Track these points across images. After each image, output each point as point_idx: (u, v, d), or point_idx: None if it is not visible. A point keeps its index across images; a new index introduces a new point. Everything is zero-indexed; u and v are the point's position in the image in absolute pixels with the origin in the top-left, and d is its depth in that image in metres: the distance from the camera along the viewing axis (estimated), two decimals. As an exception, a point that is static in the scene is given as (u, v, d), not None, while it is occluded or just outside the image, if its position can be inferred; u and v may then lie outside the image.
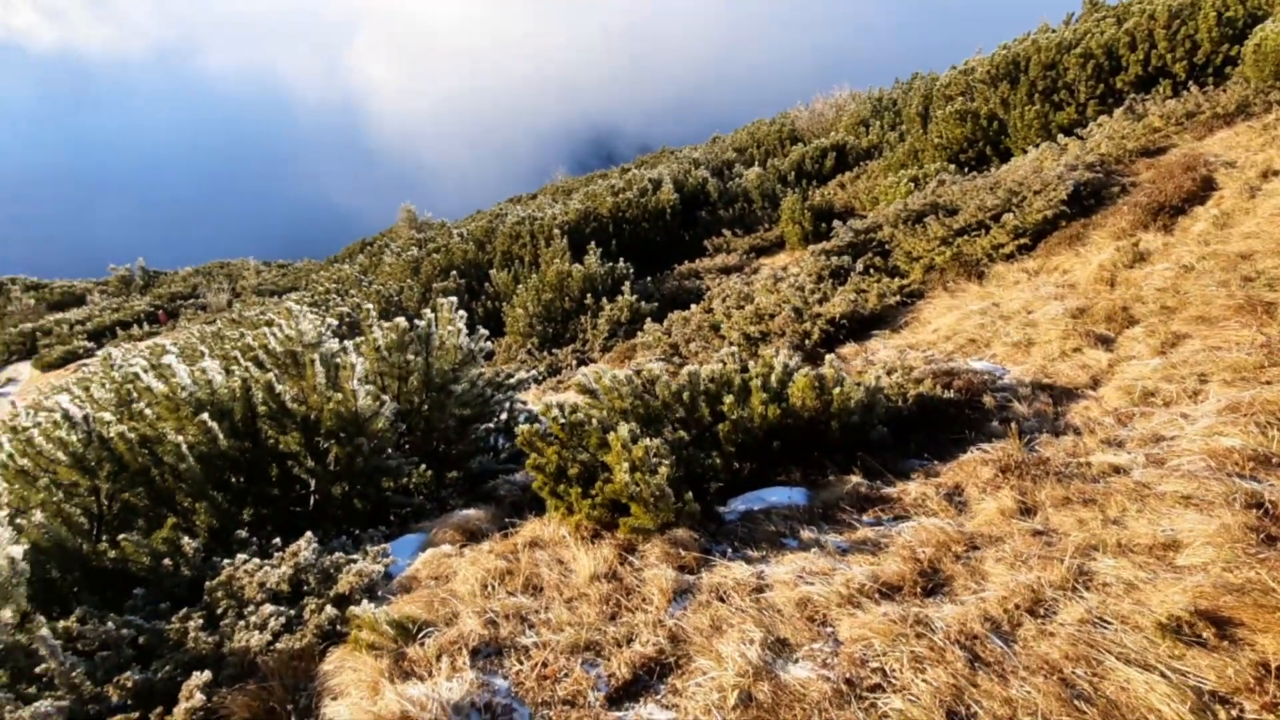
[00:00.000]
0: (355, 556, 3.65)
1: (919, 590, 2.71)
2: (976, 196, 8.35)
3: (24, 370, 17.55)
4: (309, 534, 3.71)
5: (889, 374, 4.72)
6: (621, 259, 11.96)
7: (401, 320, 5.29)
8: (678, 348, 7.89)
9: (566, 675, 2.57)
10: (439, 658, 2.71)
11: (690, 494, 3.33)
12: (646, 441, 3.32)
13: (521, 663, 2.66)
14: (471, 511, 4.19)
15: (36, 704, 2.83)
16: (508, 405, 6.35)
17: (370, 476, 4.77)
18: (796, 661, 2.42)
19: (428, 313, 5.54)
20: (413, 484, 5.22)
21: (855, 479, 3.67)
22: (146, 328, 18.87)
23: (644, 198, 14.08)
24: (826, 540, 3.12)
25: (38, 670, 2.99)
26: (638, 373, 4.23)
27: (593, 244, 12.01)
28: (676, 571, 3.03)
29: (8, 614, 3.32)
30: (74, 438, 4.13)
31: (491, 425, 6.11)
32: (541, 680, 2.57)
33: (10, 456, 4.17)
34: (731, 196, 14.95)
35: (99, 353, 16.34)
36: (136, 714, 2.83)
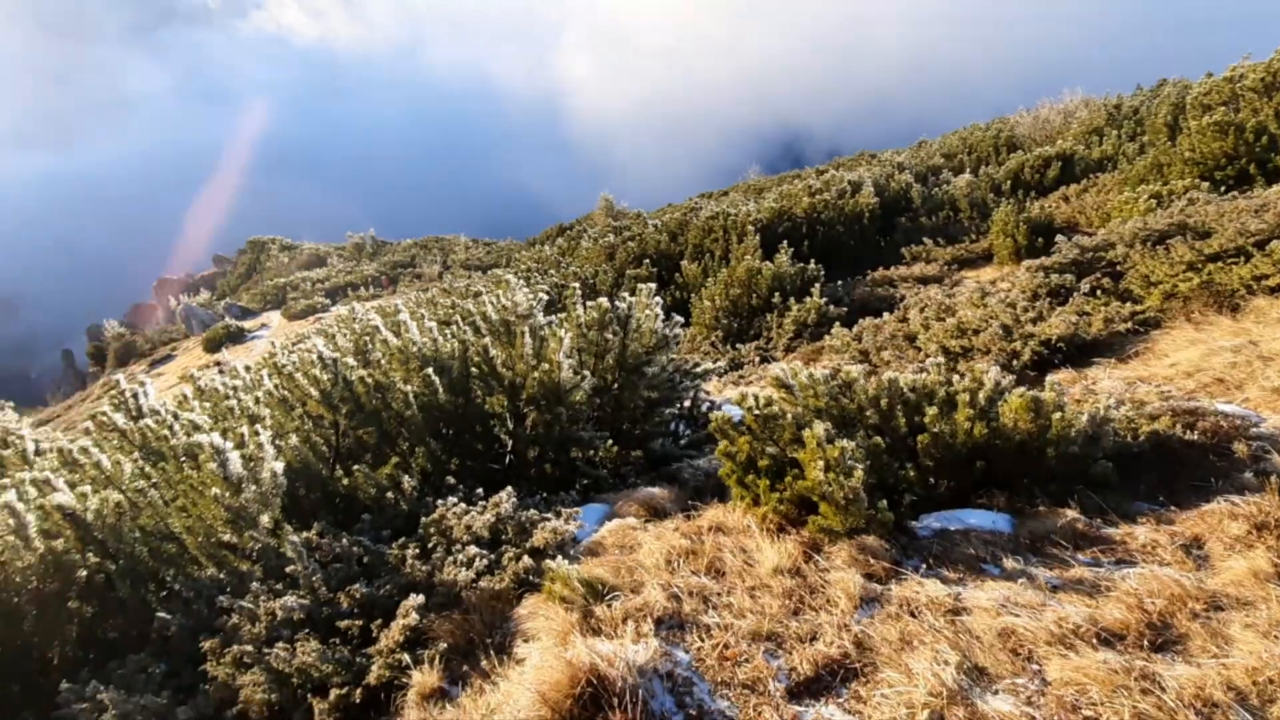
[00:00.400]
0: (548, 515, 3.90)
1: (1145, 644, 2.45)
2: (1236, 219, 7.30)
3: (274, 318, 20.35)
4: (509, 488, 4.01)
5: (1117, 406, 4.27)
6: (812, 260, 11.70)
7: (604, 301, 5.54)
8: (868, 355, 7.61)
9: (747, 660, 2.59)
10: (625, 621, 2.83)
11: (884, 502, 3.22)
12: (843, 443, 3.26)
13: (703, 640, 2.72)
14: (656, 490, 4.32)
15: (284, 599, 3.29)
16: (692, 393, 6.47)
17: (563, 444, 5.05)
18: (996, 693, 2.28)
19: (626, 296, 5.76)
20: (599, 457, 5.47)
21: (1071, 513, 3.37)
22: (372, 290, 21.15)
23: (841, 200, 13.68)
24: (1035, 573, 2.89)
25: (287, 571, 3.47)
26: (835, 373, 4.15)
27: (784, 243, 11.85)
28: (864, 578, 2.95)
29: (265, 519, 3.89)
30: (324, 377, 4.73)
31: (675, 410, 6.25)
32: (722, 660, 2.61)
33: (276, 386, 4.87)
34: (936, 204, 14.14)
35: (333, 308, 18.57)
36: (360, 621, 3.22)
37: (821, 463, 3.22)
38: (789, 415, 3.70)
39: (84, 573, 3.49)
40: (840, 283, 11.80)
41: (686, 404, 6.53)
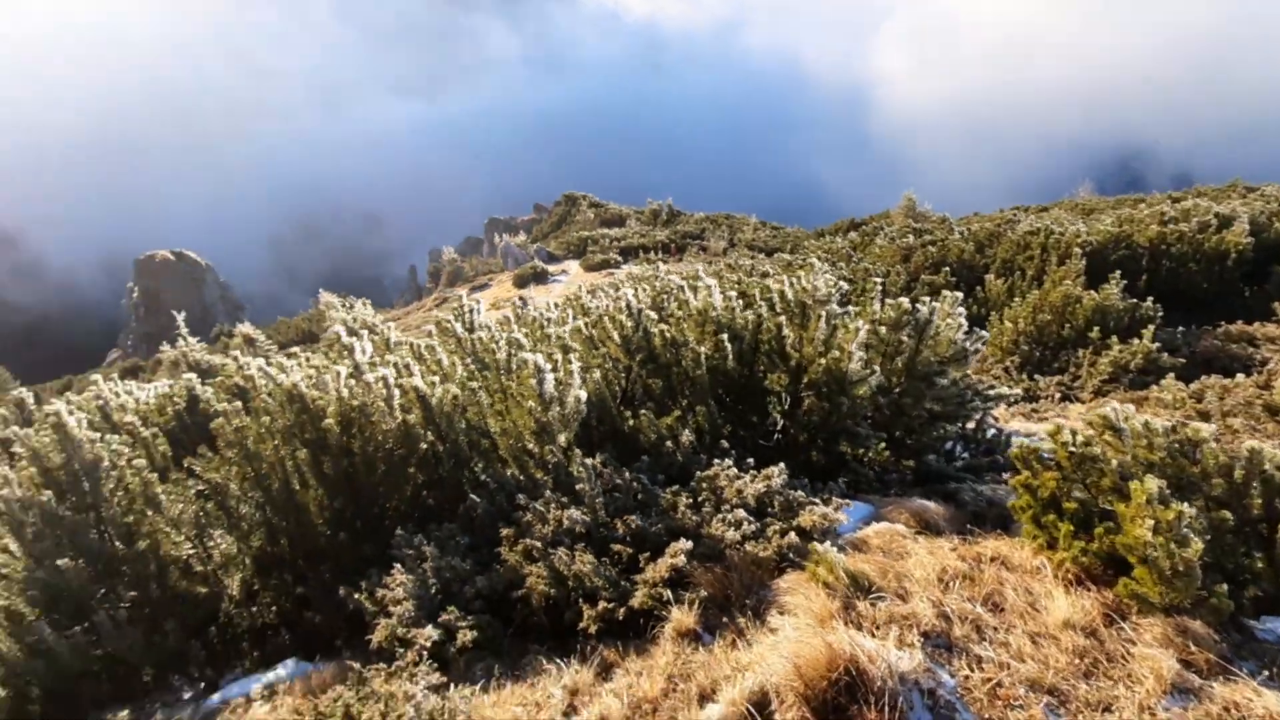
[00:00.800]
0: (815, 500, 3.89)
1: None
2: None
3: (573, 266, 22.43)
4: (781, 465, 4.05)
5: None
6: (1149, 299, 10.11)
7: (905, 301, 5.32)
8: (1208, 417, 6.45)
9: (1021, 707, 2.39)
10: (888, 624, 2.76)
11: (1224, 586, 2.75)
12: (1182, 507, 2.82)
13: (972, 670, 2.56)
14: (930, 504, 4.10)
15: (570, 511, 3.67)
16: (979, 416, 6.00)
17: (835, 435, 4.98)
18: (1353, 847, 1.87)
19: (927, 299, 5.47)
20: (867, 457, 5.31)
21: None
22: (659, 256, 22.34)
23: (1201, 234, 11.58)
24: None
25: (576, 488, 3.87)
26: (1177, 428, 3.58)
27: (1116, 274, 10.36)
28: (1180, 664, 2.56)
29: (562, 439, 4.34)
30: (628, 324, 5.12)
31: (957, 429, 5.84)
32: (992, 698, 2.44)
33: (585, 325, 5.38)
34: (1338, 256, 11.39)
35: (624, 266, 19.96)
36: (630, 550, 3.49)
37: (1150, 522, 2.82)
38: (1113, 461, 3.28)
39: (424, 446, 4.20)
40: (1181, 330, 10.08)
41: (970, 425, 6.07)
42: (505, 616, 3.41)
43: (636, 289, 8.00)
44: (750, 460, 4.37)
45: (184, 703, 3.53)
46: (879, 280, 5.75)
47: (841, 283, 5.52)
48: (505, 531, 3.70)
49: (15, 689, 3.28)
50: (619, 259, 21.88)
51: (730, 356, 4.95)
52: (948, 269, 11.99)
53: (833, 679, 2.37)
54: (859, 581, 3.01)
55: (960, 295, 5.75)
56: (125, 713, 3.59)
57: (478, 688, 2.90)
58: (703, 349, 4.93)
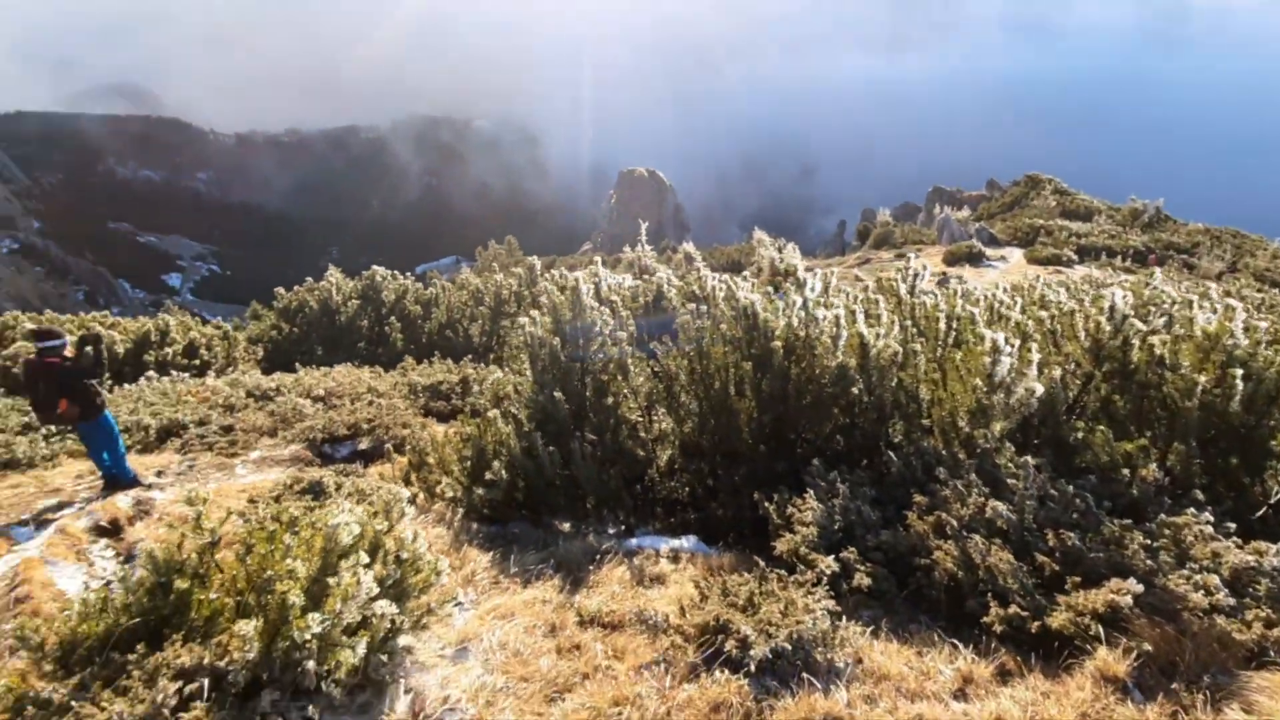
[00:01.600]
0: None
1: None
2: None
3: (1015, 255, 20.25)
4: (1282, 545, 3.25)
5: None
6: None
7: None
8: None
9: None
10: None
11: None
12: None
13: None
14: None
15: (994, 503, 3.45)
16: None
17: (1367, 537, 3.81)
18: None
19: None
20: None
21: None
22: (1128, 263, 18.96)
23: None
24: None
25: (1008, 482, 3.60)
26: None
27: None
28: None
29: (997, 428, 4.06)
30: (1106, 328, 4.49)
31: None
32: None
33: (1050, 318, 4.86)
34: None
35: (1078, 266, 17.38)
36: (1057, 566, 3.17)
37: None
38: None
39: (856, 390, 4.28)
40: None
41: None
42: (900, 578, 3.39)
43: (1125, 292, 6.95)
44: (1231, 525, 3.59)
45: (609, 535, 4.26)
46: None
47: None
48: (918, 499, 3.63)
49: (510, 476, 4.29)
50: (1073, 257, 19.11)
51: (1237, 398, 4.05)
52: None
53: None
54: (1383, 722, 2.33)
55: None
56: (569, 525, 4.48)
57: (867, 630, 2.96)
58: (1200, 379, 4.11)
